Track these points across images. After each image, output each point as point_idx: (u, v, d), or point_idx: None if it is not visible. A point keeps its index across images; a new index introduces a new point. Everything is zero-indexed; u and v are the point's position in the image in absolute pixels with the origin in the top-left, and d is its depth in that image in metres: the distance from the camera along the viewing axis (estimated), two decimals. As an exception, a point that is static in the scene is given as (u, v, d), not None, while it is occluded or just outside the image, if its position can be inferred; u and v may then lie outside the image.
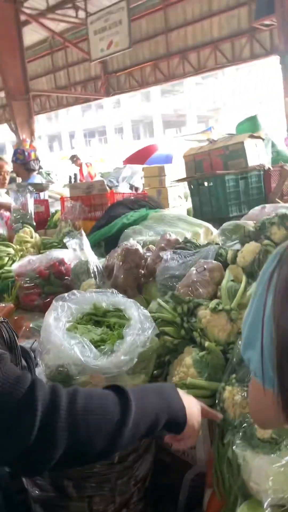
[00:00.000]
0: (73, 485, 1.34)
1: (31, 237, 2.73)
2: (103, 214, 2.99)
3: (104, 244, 2.78)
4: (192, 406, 1.04)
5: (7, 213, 3.47)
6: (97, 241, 2.77)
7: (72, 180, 6.36)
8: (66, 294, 1.56)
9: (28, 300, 2.24)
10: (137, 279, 2.06)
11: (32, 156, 4.74)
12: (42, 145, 14.77)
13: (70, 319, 1.48)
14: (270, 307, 0.66)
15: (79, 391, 0.87)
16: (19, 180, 4.79)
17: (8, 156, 5.54)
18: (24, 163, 4.55)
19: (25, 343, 1.73)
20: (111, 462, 1.31)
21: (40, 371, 1.38)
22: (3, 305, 2.12)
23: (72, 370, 1.28)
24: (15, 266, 2.23)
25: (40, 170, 10.44)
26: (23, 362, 1.10)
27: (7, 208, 3.51)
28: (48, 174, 10.17)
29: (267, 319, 0.66)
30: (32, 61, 14.57)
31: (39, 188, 3.79)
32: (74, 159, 9.97)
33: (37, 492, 1.40)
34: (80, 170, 8.61)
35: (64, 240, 2.15)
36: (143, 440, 1.40)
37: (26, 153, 4.63)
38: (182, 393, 1.04)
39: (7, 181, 3.97)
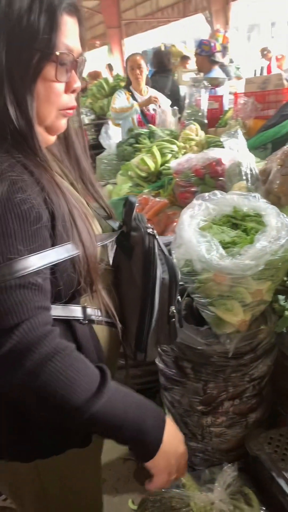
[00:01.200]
0: (191, 367, 1.47)
1: (197, 135, 2.71)
2: (275, 113, 2.76)
3: (272, 147, 2.61)
4: (177, 443, 0.91)
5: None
6: (264, 143, 2.61)
7: (258, 75, 5.87)
8: (207, 194, 1.58)
9: (183, 198, 2.31)
10: (294, 186, 1.93)
11: (217, 48, 4.51)
12: (238, 36, 13.73)
13: (206, 218, 1.50)
14: None
15: (72, 356, 0.80)
16: (201, 74, 4.66)
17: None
18: (209, 54, 4.37)
19: (170, 237, 1.84)
20: (226, 356, 1.38)
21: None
22: (158, 199, 2.24)
23: (197, 266, 1.33)
24: (173, 164, 2.29)
25: (231, 63, 9.89)
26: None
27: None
28: (238, 68, 9.57)
29: None
30: None
31: (215, 83, 3.64)
32: (264, 52, 9.08)
33: (161, 366, 1.58)
34: (269, 65, 7.82)
35: (222, 139, 2.10)
36: (262, 343, 1.43)
37: (212, 44, 4.42)
38: (171, 426, 0.90)
39: (142, 79, 3.91)
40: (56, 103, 0.87)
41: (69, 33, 0.84)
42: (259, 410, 1.53)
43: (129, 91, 3.92)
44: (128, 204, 1.08)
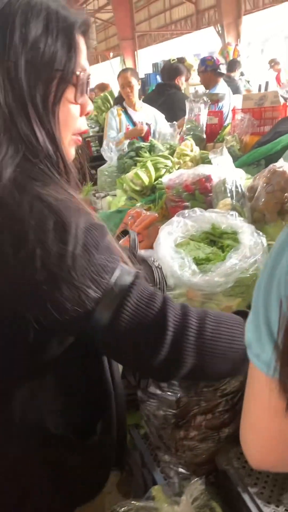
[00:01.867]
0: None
1: (191, 150, 2.76)
2: (270, 129, 2.80)
3: (265, 163, 2.65)
4: None
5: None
6: (257, 159, 2.66)
7: (262, 89, 5.92)
8: (186, 211, 1.62)
9: (174, 212, 2.34)
10: (280, 203, 1.96)
11: (221, 61, 4.61)
12: (251, 49, 13.88)
13: (184, 234, 1.54)
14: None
15: (209, 315, 0.88)
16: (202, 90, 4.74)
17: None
18: (214, 68, 4.45)
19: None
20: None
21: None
22: (149, 213, 2.29)
23: (170, 281, 1.37)
24: (165, 179, 2.34)
25: (241, 77, 9.97)
26: None
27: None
28: (248, 82, 9.65)
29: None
30: None
31: (215, 98, 3.70)
32: (272, 63, 9.11)
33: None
34: (277, 76, 7.85)
35: (210, 156, 2.14)
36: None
37: (215, 58, 4.51)
38: None
39: (133, 95, 3.97)
40: (72, 127, 0.87)
41: (83, 53, 0.85)
42: (231, 425, 1.54)
43: (122, 107, 4.01)
44: (131, 240, 1.14)
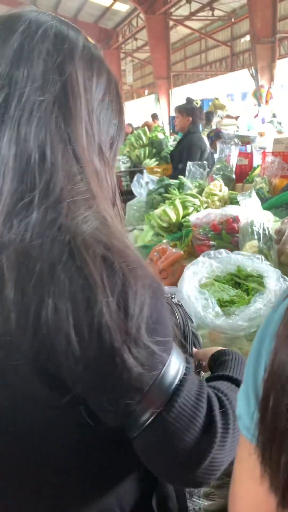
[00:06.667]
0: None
1: (220, 190, 2.80)
2: (300, 174, 2.83)
3: (294, 206, 2.66)
4: None
5: None
6: (286, 202, 2.67)
7: (293, 133, 5.98)
8: (212, 252, 1.64)
9: (199, 250, 2.37)
10: (307, 248, 1.96)
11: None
12: (283, 92, 14.09)
13: (209, 275, 1.56)
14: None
15: (229, 401, 0.73)
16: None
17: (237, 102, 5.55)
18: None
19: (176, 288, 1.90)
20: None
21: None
22: (175, 250, 2.31)
23: (193, 321, 1.38)
24: (192, 217, 2.37)
25: (272, 118, 10.10)
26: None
27: None
28: (280, 123, 9.78)
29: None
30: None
31: (246, 140, 3.77)
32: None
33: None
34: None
35: (238, 197, 2.17)
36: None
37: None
38: None
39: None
40: None
41: None
42: (249, 474, 1.51)
43: None
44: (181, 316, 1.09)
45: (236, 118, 9.31)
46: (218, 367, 0.90)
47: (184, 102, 6.03)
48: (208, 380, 0.81)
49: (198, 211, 2.65)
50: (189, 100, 5.12)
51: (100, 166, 0.72)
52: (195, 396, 0.66)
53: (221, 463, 0.70)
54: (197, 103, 4.65)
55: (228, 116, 8.89)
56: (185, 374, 0.67)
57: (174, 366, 0.65)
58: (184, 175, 3.71)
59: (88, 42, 0.74)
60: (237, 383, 0.78)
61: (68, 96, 0.67)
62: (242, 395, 0.59)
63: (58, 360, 0.59)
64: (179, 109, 4.54)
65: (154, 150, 5.63)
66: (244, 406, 0.58)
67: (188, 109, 4.51)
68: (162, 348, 0.63)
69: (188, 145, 4.42)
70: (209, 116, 7.91)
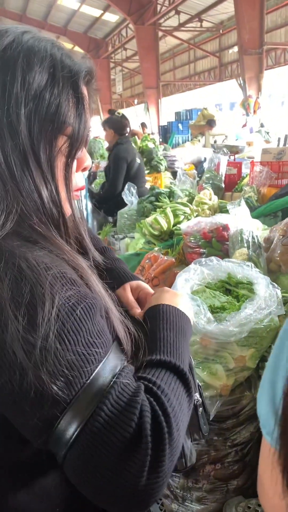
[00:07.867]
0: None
1: (210, 199, 2.85)
2: (288, 183, 2.89)
3: (281, 215, 2.72)
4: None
5: None
6: (274, 211, 2.72)
7: (281, 143, 6.08)
8: (204, 259, 1.67)
9: (190, 258, 2.41)
10: (295, 256, 2.00)
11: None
12: (271, 102, 14.30)
13: (200, 282, 1.59)
14: None
15: (170, 396, 0.68)
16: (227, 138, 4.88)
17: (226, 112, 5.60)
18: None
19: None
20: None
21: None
22: (166, 258, 2.35)
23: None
24: (183, 225, 2.41)
25: (260, 128, 10.23)
26: None
27: None
28: (267, 133, 9.93)
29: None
30: (272, 11, 13.93)
31: (234, 150, 3.83)
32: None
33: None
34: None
35: (228, 206, 2.21)
36: (245, 409, 1.46)
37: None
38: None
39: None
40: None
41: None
42: (241, 477, 1.53)
43: None
44: None
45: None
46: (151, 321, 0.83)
47: (174, 111, 6.07)
48: (145, 366, 0.73)
49: (188, 219, 2.69)
50: (111, 112, 4.99)
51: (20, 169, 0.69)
52: (124, 407, 0.62)
53: (163, 478, 0.62)
54: (118, 113, 4.46)
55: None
56: (117, 378, 0.64)
57: (104, 373, 0.63)
58: (117, 190, 3.75)
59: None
60: (171, 366, 0.72)
61: None
62: (263, 398, 0.61)
63: None
64: (102, 124, 4.42)
65: (145, 160, 5.69)
66: (264, 409, 0.60)
67: (108, 122, 4.38)
68: (87, 354, 0.62)
69: (114, 158, 4.27)
70: (211, 123, 8.00)
